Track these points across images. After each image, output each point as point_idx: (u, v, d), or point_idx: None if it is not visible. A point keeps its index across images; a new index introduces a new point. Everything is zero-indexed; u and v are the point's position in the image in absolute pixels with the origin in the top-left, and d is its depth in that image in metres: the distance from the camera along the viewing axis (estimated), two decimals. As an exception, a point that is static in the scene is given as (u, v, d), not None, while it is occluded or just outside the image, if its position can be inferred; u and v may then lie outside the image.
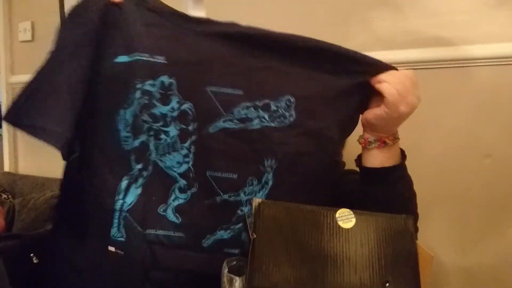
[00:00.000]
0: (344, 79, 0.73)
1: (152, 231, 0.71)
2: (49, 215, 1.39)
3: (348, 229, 0.63)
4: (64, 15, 1.67)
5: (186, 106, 0.70)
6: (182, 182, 0.71)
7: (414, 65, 1.09)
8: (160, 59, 0.69)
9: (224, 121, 0.71)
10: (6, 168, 1.96)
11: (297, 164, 0.73)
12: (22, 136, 1.93)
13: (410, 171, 1.11)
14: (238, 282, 0.64)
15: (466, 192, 1.07)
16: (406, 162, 1.10)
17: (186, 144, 0.71)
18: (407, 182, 0.78)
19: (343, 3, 1.16)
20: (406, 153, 1.11)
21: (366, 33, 1.14)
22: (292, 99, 0.71)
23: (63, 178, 0.76)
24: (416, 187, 1.11)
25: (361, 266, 0.60)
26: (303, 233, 0.63)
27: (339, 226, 0.63)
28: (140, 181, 0.70)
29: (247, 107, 0.70)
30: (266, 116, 0.71)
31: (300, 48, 0.75)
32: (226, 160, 0.72)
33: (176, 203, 0.71)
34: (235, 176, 0.71)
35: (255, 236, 0.62)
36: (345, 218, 0.64)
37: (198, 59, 0.71)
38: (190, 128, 0.71)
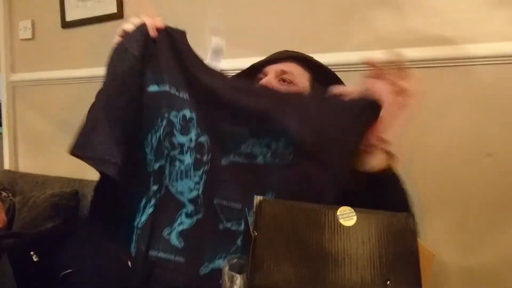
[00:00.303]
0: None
1: (154, 253, 0.74)
2: (49, 214, 1.39)
3: (349, 227, 0.63)
4: (64, 14, 1.68)
5: (203, 138, 0.76)
6: (190, 207, 0.75)
7: (414, 64, 1.09)
8: (185, 95, 0.77)
9: (233, 156, 0.76)
10: (7, 166, 1.96)
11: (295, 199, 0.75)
12: (22, 135, 1.93)
13: (412, 170, 1.12)
14: (239, 280, 0.64)
15: (467, 191, 1.07)
16: (408, 161, 1.10)
17: (199, 173, 0.76)
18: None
19: (344, 2, 1.16)
20: (407, 152, 1.12)
21: (367, 32, 1.14)
22: (288, 140, 0.74)
23: (98, 184, 0.80)
24: (418, 186, 1.12)
25: (362, 264, 0.60)
26: (304, 231, 0.63)
27: (340, 224, 0.63)
28: (153, 201, 0.74)
29: (253, 144, 0.75)
30: (269, 154, 0.75)
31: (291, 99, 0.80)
32: (233, 190, 0.76)
33: (180, 227, 0.75)
34: (239, 206, 0.75)
35: (256, 234, 0.62)
36: (346, 216, 0.64)
37: (214, 100, 0.77)
38: (205, 158, 0.76)
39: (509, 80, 1.01)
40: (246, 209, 0.68)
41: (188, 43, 0.81)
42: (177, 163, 0.76)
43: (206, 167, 0.76)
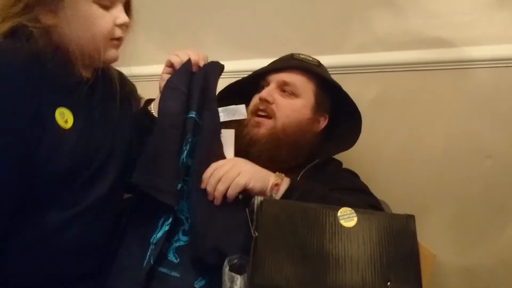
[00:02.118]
0: None
1: (159, 268, 0.76)
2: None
3: (350, 227, 0.63)
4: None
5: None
6: (187, 225, 0.79)
7: (414, 66, 1.10)
8: (200, 122, 0.83)
9: None
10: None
11: None
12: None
13: (412, 172, 1.12)
14: (239, 281, 0.64)
15: (466, 192, 1.07)
16: (408, 163, 1.11)
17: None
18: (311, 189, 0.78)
19: (344, 3, 1.16)
20: (407, 154, 1.13)
21: (366, 33, 1.14)
22: None
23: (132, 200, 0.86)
24: (418, 187, 1.12)
25: (363, 265, 0.60)
26: (304, 231, 0.63)
27: (341, 225, 0.63)
28: (170, 219, 0.77)
29: None
30: None
31: None
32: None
33: (177, 244, 0.78)
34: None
35: (257, 234, 0.62)
36: (347, 217, 0.64)
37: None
38: None
39: (508, 83, 1.02)
40: (247, 210, 0.68)
41: (218, 77, 0.89)
42: (183, 184, 0.79)
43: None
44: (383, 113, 1.13)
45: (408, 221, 0.65)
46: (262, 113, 0.91)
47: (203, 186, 0.75)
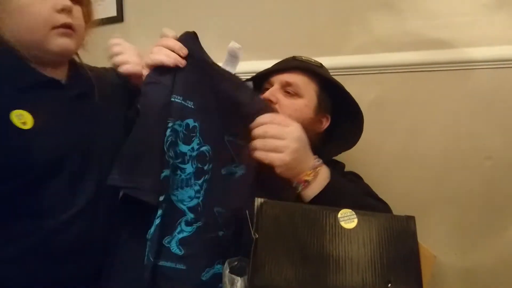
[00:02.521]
0: None
1: (161, 262, 0.74)
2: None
3: (350, 229, 0.63)
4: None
5: (205, 148, 0.78)
6: (190, 215, 0.76)
7: (413, 67, 1.10)
8: (190, 104, 0.78)
9: (235, 167, 0.80)
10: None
11: None
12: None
13: (412, 172, 1.12)
14: (239, 283, 0.64)
15: (466, 193, 1.07)
16: (408, 164, 1.10)
17: (200, 181, 0.77)
18: (345, 192, 0.78)
19: (343, 5, 1.16)
20: (407, 154, 1.13)
21: (366, 35, 1.15)
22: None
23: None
24: (418, 188, 1.12)
25: (364, 266, 0.60)
26: (305, 233, 0.63)
27: (341, 226, 0.63)
28: (160, 212, 0.74)
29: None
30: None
31: None
32: (231, 198, 0.78)
33: (180, 235, 0.76)
34: (226, 213, 0.77)
35: (257, 236, 0.62)
36: (347, 218, 0.64)
37: (220, 111, 0.80)
38: (206, 167, 0.78)
39: (508, 83, 1.02)
40: (247, 211, 0.68)
41: (203, 50, 0.83)
42: (178, 172, 0.77)
43: (207, 176, 0.78)
44: (383, 114, 1.13)
45: (408, 222, 0.65)
46: None
47: (253, 126, 0.75)
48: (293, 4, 1.22)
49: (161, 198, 0.73)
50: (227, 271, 0.67)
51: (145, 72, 0.79)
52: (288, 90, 0.92)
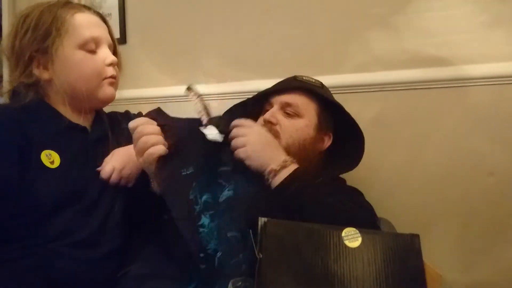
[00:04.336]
0: None
1: None
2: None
3: (354, 248, 0.63)
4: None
5: (205, 197, 0.83)
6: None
7: (413, 85, 1.11)
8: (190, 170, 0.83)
9: (228, 190, 0.84)
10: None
11: None
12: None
13: (414, 190, 1.12)
14: (244, 303, 0.63)
15: (470, 210, 1.06)
16: (411, 181, 1.10)
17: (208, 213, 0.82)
18: (311, 188, 0.81)
19: (343, 24, 1.18)
20: (409, 172, 1.13)
21: (365, 53, 1.16)
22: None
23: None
24: (420, 205, 1.12)
25: (369, 286, 0.60)
26: (309, 252, 0.63)
27: (346, 245, 0.63)
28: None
29: (235, 179, 0.85)
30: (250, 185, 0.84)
31: None
32: (233, 221, 0.80)
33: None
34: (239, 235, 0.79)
35: (261, 256, 0.62)
36: (351, 237, 0.64)
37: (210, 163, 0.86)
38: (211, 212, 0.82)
39: (507, 100, 1.03)
40: (251, 231, 0.68)
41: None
42: (201, 229, 0.79)
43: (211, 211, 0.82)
44: (384, 131, 1.14)
45: (413, 240, 0.64)
46: None
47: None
48: (293, 24, 1.24)
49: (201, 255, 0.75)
50: (231, 292, 0.66)
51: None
52: (288, 111, 0.93)
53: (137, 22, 1.53)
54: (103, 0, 1.57)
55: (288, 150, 0.88)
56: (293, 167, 0.80)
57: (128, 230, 0.89)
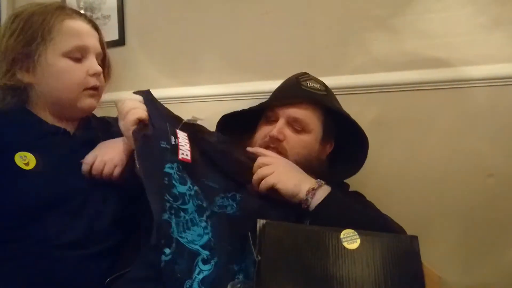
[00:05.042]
0: None
1: None
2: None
3: (353, 250, 0.63)
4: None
5: (196, 188, 0.81)
6: (205, 253, 0.75)
7: (412, 86, 1.11)
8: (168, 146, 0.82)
9: (212, 207, 0.81)
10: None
11: None
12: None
13: (413, 191, 1.12)
14: (243, 306, 0.63)
15: (469, 211, 1.06)
16: (410, 183, 1.08)
17: (204, 217, 0.78)
18: (349, 203, 0.82)
19: (342, 26, 1.18)
20: (408, 174, 1.12)
21: (364, 55, 1.16)
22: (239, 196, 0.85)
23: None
24: (419, 207, 1.11)
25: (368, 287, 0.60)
26: (308, 254, 0.62)
27: (344, 247, 0.63)
28: (168, 251, 0.73)
29: (222, 197, 0.83)
30: (235, 204, 0.83)
31: None
32: (229, 233, 0.79)
33: (201, 276, 0.73)
34: (230, 248, 0.77)
35: (260, 258, 0.62)
36: (350, 239, 0.64)
37: (198, 161, 0.85)
38: (204, 204, 0.79)
39: (506, 101, 1.03)
40: (250, 234, 0.68)
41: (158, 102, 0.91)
42: (182, 214, 0.76)
43: (207, 212, 0.79)
44: (383, 133, 1.14)
45: (412, 242, 0.64)
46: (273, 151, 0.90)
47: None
48: (292, 26, 1.24)
49: (162, 242, 0.73)
50: (230, 295, 0.66)
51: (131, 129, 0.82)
52: (296, 126, 0.92)
53: (136, 24, 1.53)
54: (102, 2, 1.57)
55: None
56: (327, 186, 0.80)
57: (121, 232, 0.88)
